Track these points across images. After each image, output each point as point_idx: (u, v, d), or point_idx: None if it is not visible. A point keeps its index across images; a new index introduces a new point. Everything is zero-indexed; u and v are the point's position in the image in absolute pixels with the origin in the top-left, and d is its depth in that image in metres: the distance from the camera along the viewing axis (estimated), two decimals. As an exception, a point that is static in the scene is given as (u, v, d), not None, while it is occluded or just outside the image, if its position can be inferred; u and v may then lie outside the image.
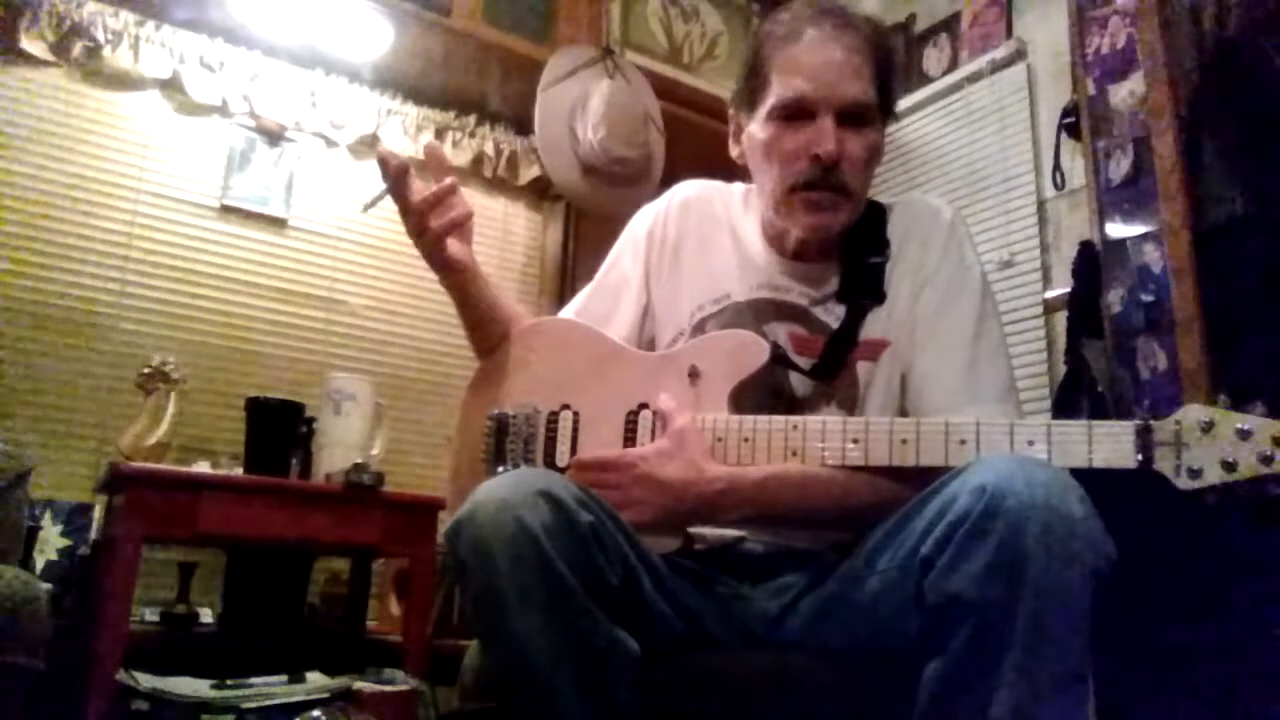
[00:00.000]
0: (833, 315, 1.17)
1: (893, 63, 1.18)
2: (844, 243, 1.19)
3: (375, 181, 1.15)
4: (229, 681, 1.87)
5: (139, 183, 2.67)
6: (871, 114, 1.14)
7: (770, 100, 1.14)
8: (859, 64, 1.12)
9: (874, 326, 1.15)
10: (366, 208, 1.19)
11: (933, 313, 1.14)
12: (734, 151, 1.25)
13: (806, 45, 1.13)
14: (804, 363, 1.14)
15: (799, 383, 1.14)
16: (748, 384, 1.10)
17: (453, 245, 1.17)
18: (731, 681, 1.02)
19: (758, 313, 1.19)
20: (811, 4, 1.17)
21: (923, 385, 1.12)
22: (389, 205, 1.15)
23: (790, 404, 1.14)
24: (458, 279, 1.20)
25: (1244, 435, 0.87)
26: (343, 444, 2.22)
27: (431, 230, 1.14)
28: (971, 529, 0.82)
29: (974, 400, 1.07)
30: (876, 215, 1.21)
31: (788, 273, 1.20)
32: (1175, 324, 1.91)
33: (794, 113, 1.12)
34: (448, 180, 1.15)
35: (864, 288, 1.16)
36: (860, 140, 1.13)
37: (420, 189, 1.14)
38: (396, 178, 1.12)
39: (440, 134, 3.04)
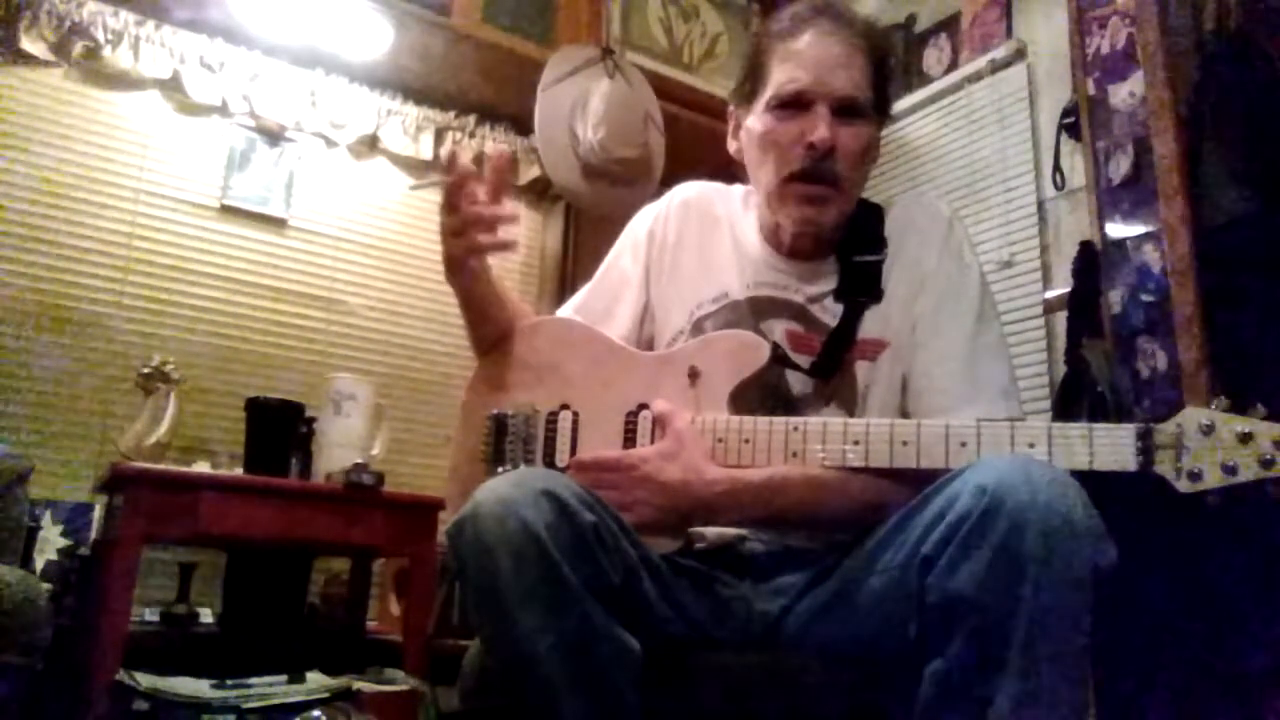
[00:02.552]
0: (830, 313, 1.17)
1: (889, 64, 1.20)
2: (841, 241, 1.19)
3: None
4: (229, 681, 1.86)
5: (139, 183, 2.67)
6: (866, 109, 1.15)
7: (768, 92, 1.16)
8: (855, 60, 1.14)
9: (872, 325, 1.15)
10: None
11: (932, 313, 1.14)
12: (731, 148, 1.26)
13: (805, 41, 1.15)
14: (803, 361, 1.14)
15: (798, 382, 1.15)
16: (747, 383, 1.10)
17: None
18: (731, 681, 1.02)
19: (755, 309, 1.19)
20: (811, 3, 1.19)
21: (922, 385, 1.12)
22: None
23: (789, 403, 1.14)
24: (466, 280, 1.20)
25: (1244, 438, 0.87)
26: (343, 444, 2.22)
27: (475, 244, 1.15)
28: (973, 529, 0.82)
29: (974, 400, 1.07)
30: (873, 214, 1.21)
31: (785, 269, 1.21)
32: (1175, 324, 1.90)
33: (791, 103, 1.14)
34: (514, 213, 1.17)
35: (861, 286, 1.16)
36: (854, 133, 1.14)
37: (475, 195, 1.14)
38: (458, 181, 1.13)
39: (440, 134, 3.03)
